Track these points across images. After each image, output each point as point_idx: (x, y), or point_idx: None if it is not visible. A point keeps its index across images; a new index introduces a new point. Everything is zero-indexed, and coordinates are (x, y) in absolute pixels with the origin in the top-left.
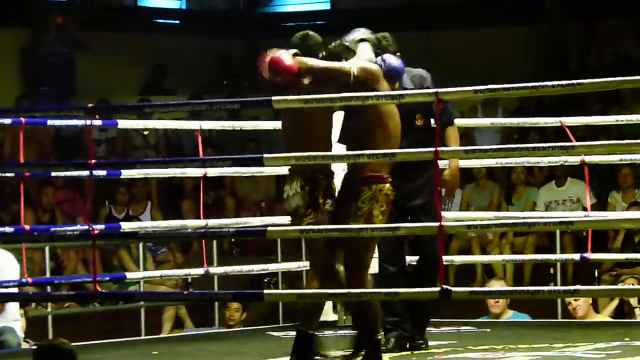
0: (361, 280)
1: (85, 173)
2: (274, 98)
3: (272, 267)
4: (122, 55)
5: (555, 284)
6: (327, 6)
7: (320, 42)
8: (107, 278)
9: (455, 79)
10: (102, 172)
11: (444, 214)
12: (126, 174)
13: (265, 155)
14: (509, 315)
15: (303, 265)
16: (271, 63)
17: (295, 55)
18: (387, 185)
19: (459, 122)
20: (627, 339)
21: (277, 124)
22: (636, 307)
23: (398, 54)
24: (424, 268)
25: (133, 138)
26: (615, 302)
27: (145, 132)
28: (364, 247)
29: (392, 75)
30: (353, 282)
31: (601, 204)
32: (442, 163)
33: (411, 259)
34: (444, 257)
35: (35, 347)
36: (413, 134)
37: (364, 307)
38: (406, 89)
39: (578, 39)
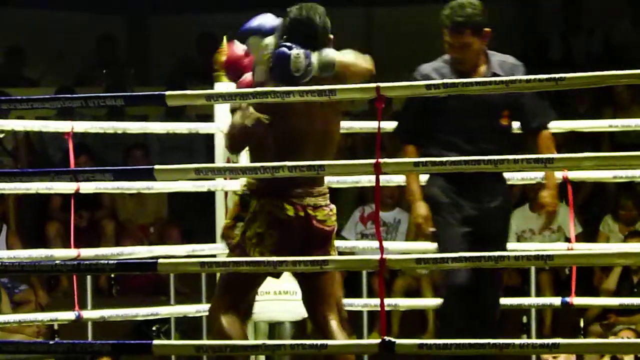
0: None
1: None
2: (167, 93)
3: (163, 310)
4: None
5: (529, 336)
6: None
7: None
8: None
9: (402, 70)
10: None
11: (386, 244)
12: None
13: (156, 167)
14: None
15: (203, 308)
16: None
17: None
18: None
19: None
20: None
21: (171, 126)
22: None
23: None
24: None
25: None
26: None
27: (0, 135)
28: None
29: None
30: None
31: (590, 234)
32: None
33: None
34: (386, 301)
35: None
36: (494, 137)
37: None
38: (496, 74)
39: (559, 20)
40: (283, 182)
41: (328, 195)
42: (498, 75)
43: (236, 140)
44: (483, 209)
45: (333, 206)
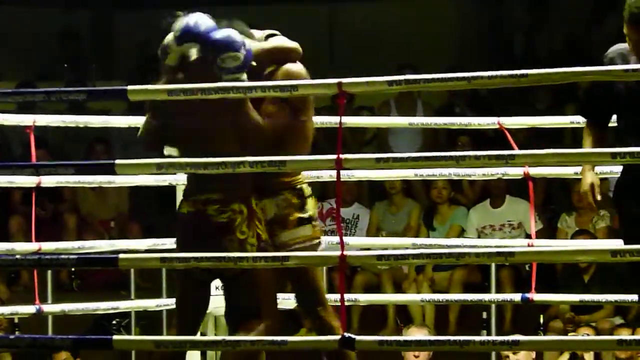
0: None
1: None
2: (129, 88)
3: (123, 305)
4: None
5: (489, 333)
6: None
7: None
8: None
9: (362, 65)
10: None
11: (346, 239)
12: None
13: (117, 162)
14: None
15: (164, 303)
16: None
17: None
18: None
19: (365, 121)
20: None
21: (132, 121)
22: None
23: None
24: None
25: None
26: (566, 356)
27: None
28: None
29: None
30: None
31: (551, 230)
32: None
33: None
34: (346, 296)
35: None
36: None
37: None
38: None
39: (522, 14)
40: (190, 182)
41: (236, 192)
42: None
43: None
44: None
45: (239, 205)
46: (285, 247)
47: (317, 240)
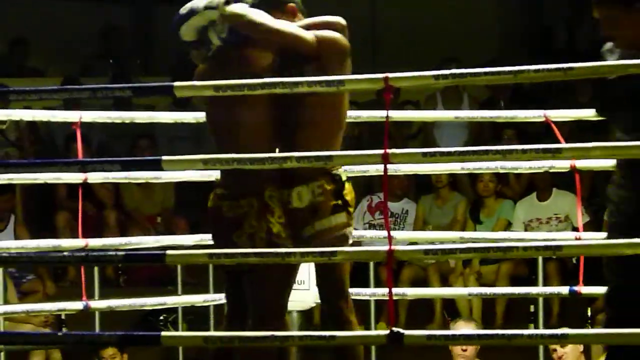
0: None
1: None
2: (176, 84)
3: (170, 300)
4: None
5: (537, 326)
6: None
7: None
8: None
9: (405, 59)
10: None
11: (393, 233)
12: None
13: (164, 158)
14: None
15: (211, 298)
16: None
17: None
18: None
19: (411, 115)
20: None
21: (177, 116)
22: None
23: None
24: None
25: None
26: None
27: (3, 126)
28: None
29: None
30: None
31: (597, 223)
32: None
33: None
34: (394, 290)
35: None
36: None
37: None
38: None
39: (564, 6)
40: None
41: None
42: None
43: None
44: None
45: (249, 200)
46: (320, 237)
47: (351, 228)
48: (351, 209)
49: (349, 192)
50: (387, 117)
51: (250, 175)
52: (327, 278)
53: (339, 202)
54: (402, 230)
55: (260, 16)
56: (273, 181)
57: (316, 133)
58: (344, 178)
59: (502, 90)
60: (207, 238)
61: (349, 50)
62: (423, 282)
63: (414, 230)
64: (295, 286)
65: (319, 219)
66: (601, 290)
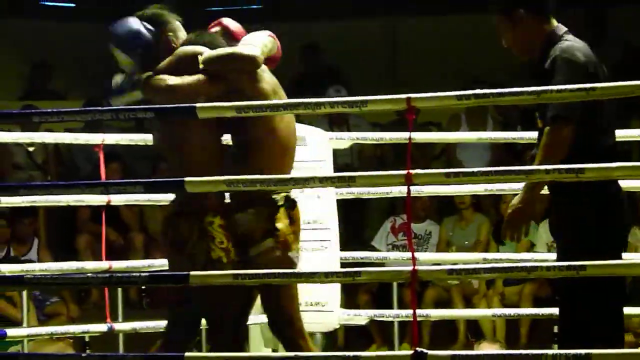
0: None
1: None
2: (198, 105)
3: None
4: None
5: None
6: None
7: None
8: None
9: (426, 81)
10: None
11: (417, 255)
12: (6, 201)
13: (187, 179)
14: None
15: None
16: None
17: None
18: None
19: (434, 136)
20: None
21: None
22: None
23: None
24: None
25: (13, 155)
26: None
27: (31, 148)
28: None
29: None
30: None
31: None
32: None
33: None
34: (418, 312)
35: None
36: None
37: None
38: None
39: (581, 28)
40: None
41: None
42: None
43: None
44: None
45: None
46: (256, 261)
47: (286, 252)
48: (281, 234)
49: (282, 217)
50: (410, 138)
51: (193, 200)
52: (273, 306)
53: (270, 227)
54: (425, 252)
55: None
56: (214, 207)
57: (263, 155)
58: (279, 202)
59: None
60: None
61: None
62: (446, 304)
63: (437, 251)
64: (319, 308)
65: (253, 245)
66: (624, 310)
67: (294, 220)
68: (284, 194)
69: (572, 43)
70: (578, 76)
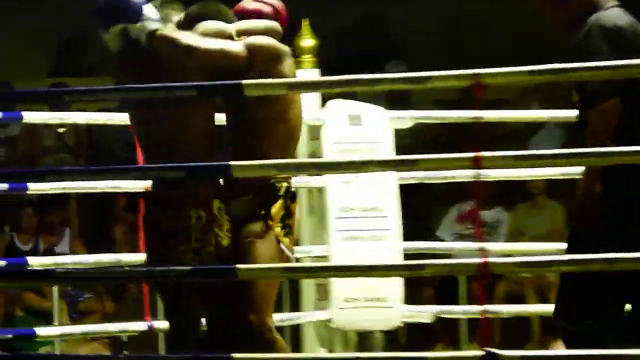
0: None
1: None
2: (245, 82)
3: None
4: (24, 23)
5: None
6: None
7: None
8: (10, 335)
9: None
10: (2, 186)
11: (487, 245)
12: (35, 188)
13: (233, 163)
14: None
15: (286, 317)
16: None
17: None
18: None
19: (503, 115)
20: None
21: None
22: None
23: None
24: None
25: (43, 137)
26: None
27: (61, 130)
28: None
29: None
30: None
31: None
32: None
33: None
34: (488, 308)
35: None
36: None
37: None
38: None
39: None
40: None
41: None
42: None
43: None
44: None
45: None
46: (239, 246)
47: (273, 241)
48: (273, 222)
49: (279, 207)
50: (477, 117)
51: (198, 184)
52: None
53: (262, 212)
54: (494, 241)
55: (183, 37)
56: (219, 192)
57: (269, 138)
58: (280, 192)
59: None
60: None
61: (285, 52)
62: (519, 298)
63: (508, 241)
64: (379, 304)
65: (240, 229)
66: None
67: (290, 214)
68: (285, 184)
69: (612, 12)
70: (619, 46)
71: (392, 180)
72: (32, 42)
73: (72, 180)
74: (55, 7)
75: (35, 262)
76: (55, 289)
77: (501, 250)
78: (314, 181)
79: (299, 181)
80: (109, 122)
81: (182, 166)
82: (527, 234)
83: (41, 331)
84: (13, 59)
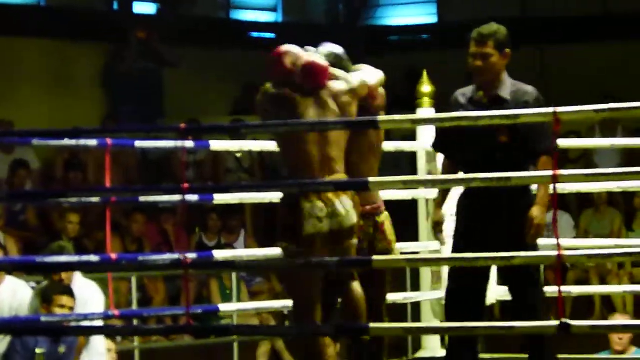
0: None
1: (177, 198)
2: (379, 118)
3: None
4: (212, 72)
5: None
6: (434, 19)
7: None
8: (200, 310)
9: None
10: (194, 197)
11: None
12: (219, 199)
13: (370, 179)
14: (633, 352)
15: (410, 297)
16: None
17: None
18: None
19: (576, 143)
20: None
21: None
22: None
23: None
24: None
25: (224, 161)
26: None
27: (239, 155)
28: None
29: None
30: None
31: None
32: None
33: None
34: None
35: None
36: (493, 154)
37: None
38: (500, 97)
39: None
40: None
41: None
42: (501, 98)
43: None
44: None
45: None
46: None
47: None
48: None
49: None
50: (556, 145)
51: (367, 199)
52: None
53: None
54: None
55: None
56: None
57: (369, 163)
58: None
59: None
60: (404, 246)
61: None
62: (585, 282)
63: (577, 238)
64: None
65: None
66: None
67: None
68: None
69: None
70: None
71: None
72: (219, 89)
73: (248, 193)
74: (237, 63)
75: (219, 255)
76: (234, 275)
77: (572, 246)
78: (430, 193)
79: (419, 193)
80: (276, 149)
81: (331, 182)
82: (592, 233)
83: (223, 307)
84: (201, 100)
